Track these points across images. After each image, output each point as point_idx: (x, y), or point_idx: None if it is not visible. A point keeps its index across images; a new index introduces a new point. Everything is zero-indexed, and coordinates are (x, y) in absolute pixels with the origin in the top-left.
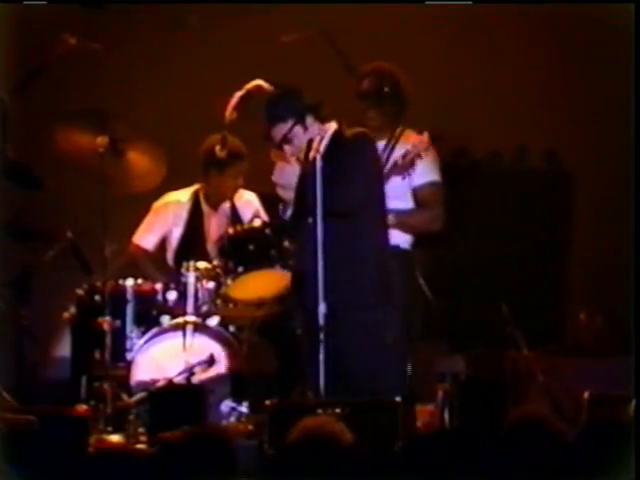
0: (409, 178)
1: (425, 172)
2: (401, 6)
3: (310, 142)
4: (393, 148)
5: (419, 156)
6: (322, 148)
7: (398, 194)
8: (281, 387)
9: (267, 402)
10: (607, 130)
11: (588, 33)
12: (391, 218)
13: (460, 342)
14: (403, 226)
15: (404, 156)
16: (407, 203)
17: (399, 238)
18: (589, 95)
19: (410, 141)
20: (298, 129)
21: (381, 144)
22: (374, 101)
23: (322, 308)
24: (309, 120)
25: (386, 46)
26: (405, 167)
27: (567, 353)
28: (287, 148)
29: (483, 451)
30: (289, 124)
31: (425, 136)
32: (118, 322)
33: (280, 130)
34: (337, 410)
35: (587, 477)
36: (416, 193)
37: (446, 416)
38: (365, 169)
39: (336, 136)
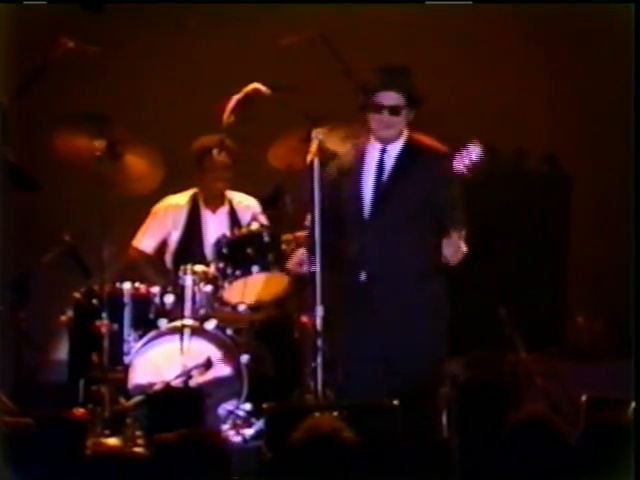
0: None
1: None
2: (401, 6)
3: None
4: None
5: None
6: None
7: None
8: (279, 390)
9: (265, 405)
10: (607, 132)
11: (588, 33)
12: None
13: (459, 345)
14: None
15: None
16: None
17: None
18: (589, 96)
19: None
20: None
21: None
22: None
23: (319, 311)
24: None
25: (386, 46)
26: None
27: (566, 356)
28: (386, 119)
29: (484, 453)
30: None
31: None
32: (116, 325)
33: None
34: (335, 413)
35: (588, 479)
36: None
37: (444, 419)
38: None
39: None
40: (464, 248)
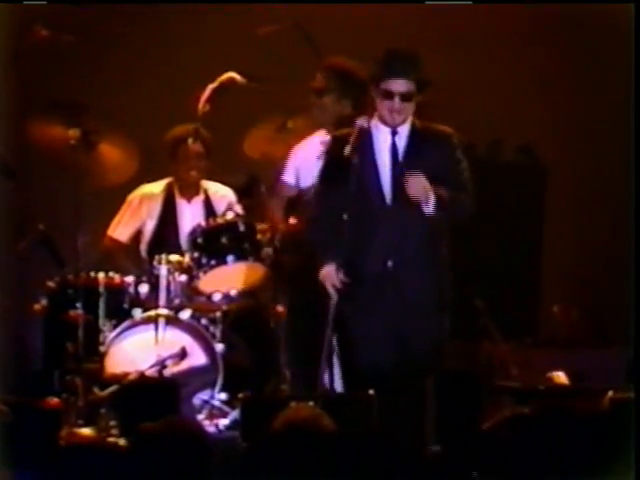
0: None
1: None
2: (401, 6)
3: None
4: None
5: None
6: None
7: None
8: (254, 380)
9: (240, 395)
10: (606, 131)
11: (588, 33)
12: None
13: None
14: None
15: None
16: None
17: None
18: (589, 96)
19: None
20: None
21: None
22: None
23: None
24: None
25: (385, 46)
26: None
27: (541, 346)
28: (398, 105)
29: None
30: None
31: None
32: (90, 315)
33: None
34: (310, 403)
35: (587, 478)
36: None
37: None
38: None
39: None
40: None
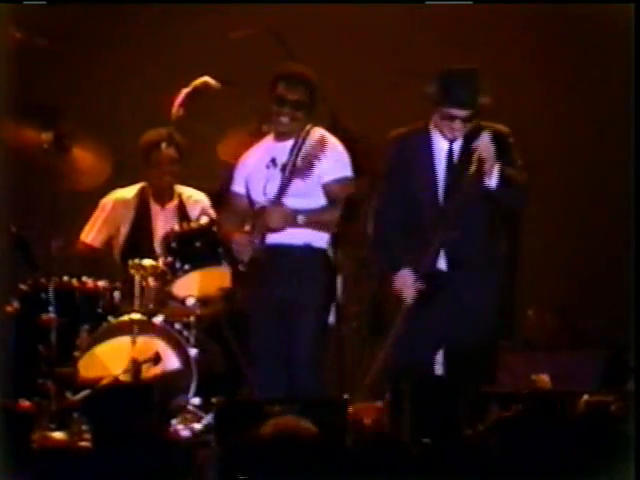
0: (318, 176)
1: (334, 168)
2: (401, 6)
3: None
4: (301, 147)
5: (317, 157)
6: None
7: (307, 192)
8: (228, 385)
9: (214, 400)
10: (606, 131)
11: (588, 33)
12: (301, 218)
13: None
14: (316, 225)
15: (303, 158)
16: (318, 201)
17: (311, 236)
18: (589, 96)
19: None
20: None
21: (290, 142)
22: (291, 107)
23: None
24: None
25: (386, 46)
26: (303, 169)
27: (517, 349)
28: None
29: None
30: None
31: (322, 137)
32: (63, 319)
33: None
34: (285, 408)
35: (587, 477)
36: (326, 190)
37: (396, 413)
38: None
39: None
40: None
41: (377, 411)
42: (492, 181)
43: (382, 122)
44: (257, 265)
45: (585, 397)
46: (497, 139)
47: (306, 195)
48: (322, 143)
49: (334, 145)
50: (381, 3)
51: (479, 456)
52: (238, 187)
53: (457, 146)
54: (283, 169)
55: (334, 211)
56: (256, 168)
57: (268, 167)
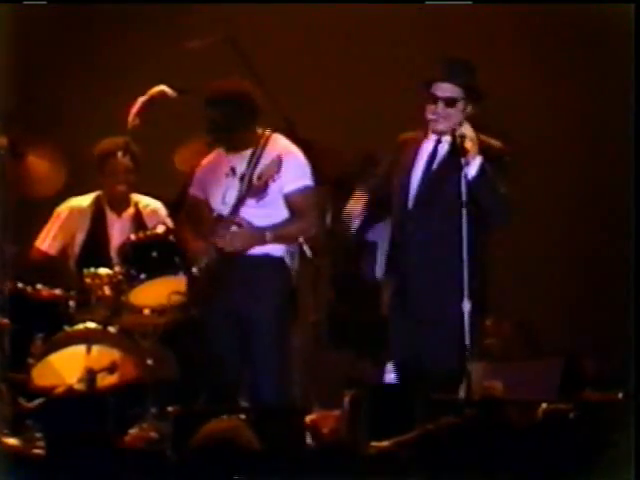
0: (278, 186)
1: (295, 178)
2: (401, 6)
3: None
4: (260, 156)
5: (272, 178)
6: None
7: (267, 202)
8: (184, 394)
9: (170, 409)
10: (606, 131)
11: (588, 33)
12: (269, 235)
13: (370, 346)
14: (282, 239)
15: (259, 177)
16: (278, 211)
17: (269, 247)
18: (589, 96)
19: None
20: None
21: (248, 151)
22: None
23: None
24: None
25: (386, 46)
26: (260, 185)
27: (475, 358)
28: (441, 110)
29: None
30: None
31: (278, 156)
32: (17, 326)
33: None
34: (242, 416)
35: (586, 477)
36: (288, 200)
37: (354, 422)
38: None
39: None
40: None
41: (334, 420)
42: (471, 170)
43: (382, 122)
44: (214, 274)
45: (543, 406)
46: (491, 157)
47: (266, 205)
48: (278, 162)
49: (294, 155)
50: (381, 3)
51: (428, 459)
52: (197, 191)
53: (443, 150)
54: (242, 179)
55: (301, 223)
56: (215, 175)
57: (227, 175)
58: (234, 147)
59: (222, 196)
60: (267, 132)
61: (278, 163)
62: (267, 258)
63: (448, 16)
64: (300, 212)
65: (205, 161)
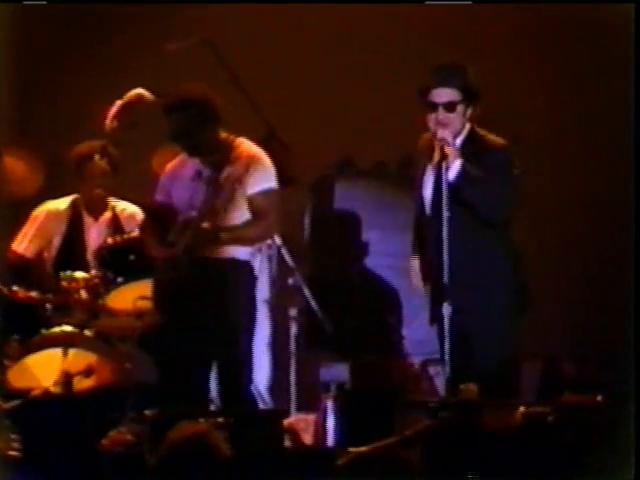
0: (243, 189)
1: (259, 181)
2: (401, 6)
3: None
4: (225, 160)
5: (238, 181)
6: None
7: (233, 206)
8: (162, 398)
9: (147, 412)
10: (606, 131)
11: (588, 33)
12: (224, 235)
13: (345, 350)
14: (240, 241)
15: (225, 180)
16: (245, 214)
17: (236, 250)
18: (589, 96)
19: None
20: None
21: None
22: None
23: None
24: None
25: (386, 46)
26: (225, 193)
27: None
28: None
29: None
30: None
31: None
32: None
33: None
34: (220, 420)
35: (586, 477)
36: (250, 201)
37: (330, 426)
38: None
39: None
40: None
41: (312, 423)
42: (450, 174)
43: (382, 122)
44: (179, 278)
45: (521, 409)
46: (489, 155)
47: (234, 209)
48: (244, 165)
49: (259, 158)
50: (381, 3)
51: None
52: (162, 197)
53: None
54: (208, 182)
55: (257, 226)
56: (181, 179)
57: (193, 179)
58: (198, 152)
59: (189, 200)
60: (232, 136)
61: (244, 166)
62: (232, 261)
63: (448, 16)
64: (260, 214)
65: (169, 166)
